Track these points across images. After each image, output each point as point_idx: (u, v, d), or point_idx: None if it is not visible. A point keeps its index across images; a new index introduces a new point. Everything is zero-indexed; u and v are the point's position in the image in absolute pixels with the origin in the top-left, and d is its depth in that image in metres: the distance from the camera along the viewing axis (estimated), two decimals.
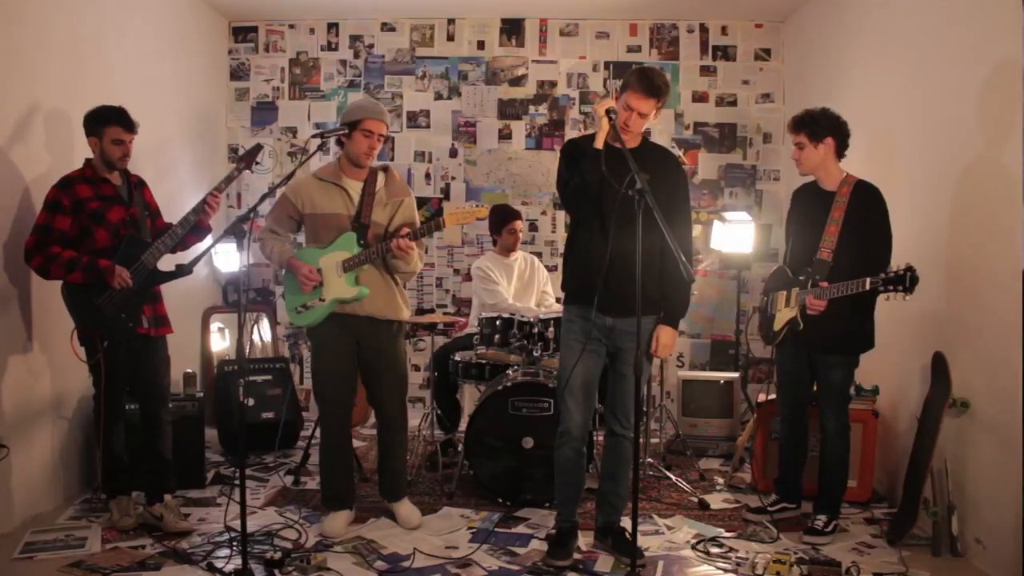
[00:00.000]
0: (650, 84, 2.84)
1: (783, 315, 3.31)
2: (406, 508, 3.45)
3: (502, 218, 4.57)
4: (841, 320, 3.12)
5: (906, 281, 2.82)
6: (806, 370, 3.35)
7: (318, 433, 4.40)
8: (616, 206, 2.71)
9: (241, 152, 3.35)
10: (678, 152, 5.37)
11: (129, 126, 3.24)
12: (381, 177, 3.34)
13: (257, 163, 3.10)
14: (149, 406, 3.39)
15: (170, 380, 3.50)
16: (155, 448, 3.38)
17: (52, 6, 3.54)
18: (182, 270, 3.29)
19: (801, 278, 3.23)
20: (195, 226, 3.31)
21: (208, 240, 3.49)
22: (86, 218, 3.19)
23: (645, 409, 4.29)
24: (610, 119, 2.78)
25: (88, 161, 3.30)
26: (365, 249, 3.20)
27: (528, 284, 4.59)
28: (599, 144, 2.82)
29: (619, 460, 3.09)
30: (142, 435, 3.39)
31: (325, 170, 3.35)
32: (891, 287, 2.87)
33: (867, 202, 3.17)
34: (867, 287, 2.93)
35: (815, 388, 3.42)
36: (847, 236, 3.14)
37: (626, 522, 3.08)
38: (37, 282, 3.42)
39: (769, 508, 3.46)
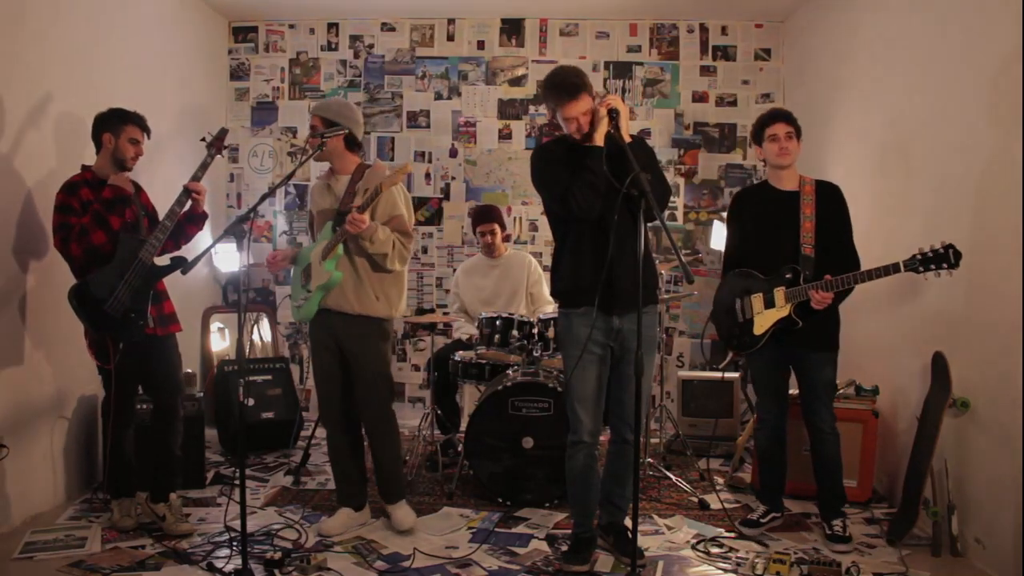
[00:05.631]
0: (568, 86, 2.80)
1: (767, 317, 3.21)
2: (401, 511, 3.42)
3: (475, 220, 4.62)
4: (830, 315, 3.16)
5: (950, 258, 2.83)
6: (785, 373, 3.35)
7: (318, 433, 4.45)
8: (619, 205, 2.70)
9: (209, 138, 3.44)
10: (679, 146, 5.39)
11: (146, 128, 3.34)
12: (368, 171, 3.35)
13: (226, 147, 3.16)
14: (165, 401, 3.38)
15: (183, 377, 3.52)
16: (166, 443, 3.38)
17: (52, 7, 3.54)
18: (179, 262, 3.28)
19: (788, 276, 3.17)
20: (191, 215, 3.36)
21: (208, 239, 3.50)
22: (90, 221, 3.19)
23: (651, 408, 4.30)
24: (611, 118, 2.77)
25: (86, 167, 3.30)
26: (335, 234, 3.23)
27: (512, 285, 4.54)
28: (599, 142, 2.81)
29: (627, 465, 3.05)
30: (154, 430, 3.39)
31: (322, 174, 3.47)
32: (933, 266, 2.86)
33: (834, 200, 3.25)
34: (902, 269, 2.91)
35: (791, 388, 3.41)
36: (821, 232, 3.19)
37: (627, 521, 3.08)
38: (37, 282, 3.43)
39: (762, 520, 3.40)
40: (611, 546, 3.13)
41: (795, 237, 3.19)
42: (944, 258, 2.84)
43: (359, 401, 3.34)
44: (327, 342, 3.32)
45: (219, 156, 3.46)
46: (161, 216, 3.51)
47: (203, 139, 3.43)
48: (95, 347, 3.22)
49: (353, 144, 3.32)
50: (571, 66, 2.93)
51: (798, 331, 3.17)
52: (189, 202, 3.30)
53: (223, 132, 3.48)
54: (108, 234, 3.18)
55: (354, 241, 3.21)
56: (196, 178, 3.33)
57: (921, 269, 2.88)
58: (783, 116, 3.27)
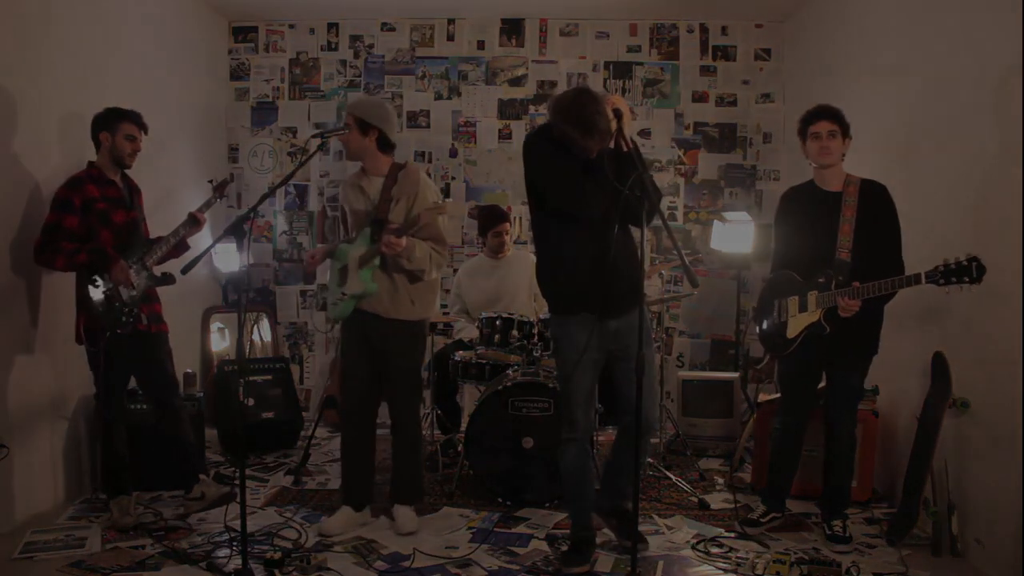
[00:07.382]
0: (599, 133, 2.68)
1: (799, 321, 3.15)
2: (403, 513, 3.40)
3: (488, 221, 4.58)
4: (865, 322, 3.06)
5: (972, 272, 2.70)
6: (814, 377, 3.31)
7: (318, 433, 4.45)
8: (620, 206, 2.69)
9: (215, 182, 3.72)
10: (679, 151, 5.39)
11: (143, 125, 3.40)
12: (401, 174, 3.33)
13: (226, 195, 3.62)
14: (162, 395, 3.48)
15: (175, 371, 3.57)
16: (179, 437, 3.49)
17: (54, 7, 3.54)
18: (167, 278, 3.42)
19: (821, 280, 3.09)
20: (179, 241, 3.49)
21: (208, 239, 3.55)
22: (93, 218, 3.26)
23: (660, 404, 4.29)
24: (615, 118, 2.76)
25: (92, 163, 3.36)
26: (374, 245, 3.23)
27: (515, 285, 4.53)
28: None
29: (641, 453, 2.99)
30: (164, 427, 3.49)
31: (352, 174, 3.45)
32: (954, 279, 2.72)
33: (878, 201, 3.13)
34: (923, 281, 2.79)
35: (818, 393, 3.40)
36: (861, 235, 3.08)
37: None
38: (40, 282, 3.43)
39: (762, 520, 3.40)
40: (614, 529, 3.15)
41: (834, 240, 3.10)
42: (966, 271, 2.70)
43: (391, 399, 3.38)
44: (359, 340, 3.34)
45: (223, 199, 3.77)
46: (165, 213, 3.60)
47: (210, 181, 3.68)
48: (86, 332, 3.26)
49: (386, 145, 3.30)
50: (596, 101, 2.69)
51: (835, 335, 3.06)
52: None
53: (228, 180, 3.79)
54: (112, 231, 3.28)
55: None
56: (201, 211, 3.50)
57: (942, 281, 2.75)
58: (826, 114, 3.14)
